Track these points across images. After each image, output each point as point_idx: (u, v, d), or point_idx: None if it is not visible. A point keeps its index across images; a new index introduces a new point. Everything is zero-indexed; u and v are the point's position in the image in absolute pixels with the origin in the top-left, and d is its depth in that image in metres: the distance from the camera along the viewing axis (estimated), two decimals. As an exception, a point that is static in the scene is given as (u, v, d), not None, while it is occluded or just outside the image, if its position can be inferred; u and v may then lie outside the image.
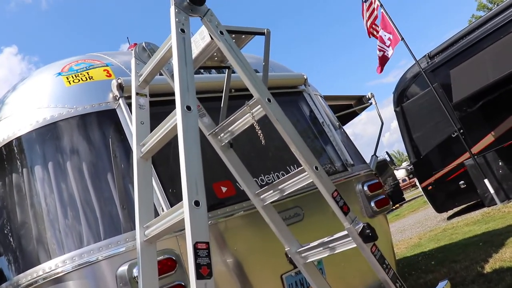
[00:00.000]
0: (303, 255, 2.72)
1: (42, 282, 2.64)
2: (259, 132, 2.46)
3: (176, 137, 2.19)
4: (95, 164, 2.93)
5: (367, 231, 2.42)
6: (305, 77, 4.21)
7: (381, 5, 10.38)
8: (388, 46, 10.12)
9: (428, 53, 10.04)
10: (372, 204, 3.92)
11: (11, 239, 2.94)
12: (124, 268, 2.58)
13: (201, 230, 1.82)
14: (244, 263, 3.04)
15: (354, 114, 7.03)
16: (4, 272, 2.96)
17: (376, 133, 5.31)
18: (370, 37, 10.69)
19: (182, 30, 2.26)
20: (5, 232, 2.99)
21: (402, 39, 10.12)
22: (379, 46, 10.26)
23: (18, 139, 3.03)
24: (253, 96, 2.42)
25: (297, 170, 2.52)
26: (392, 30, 10.20)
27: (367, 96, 6.10)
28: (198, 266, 1.77)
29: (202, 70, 3.46)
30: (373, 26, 10.59)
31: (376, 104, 5.70)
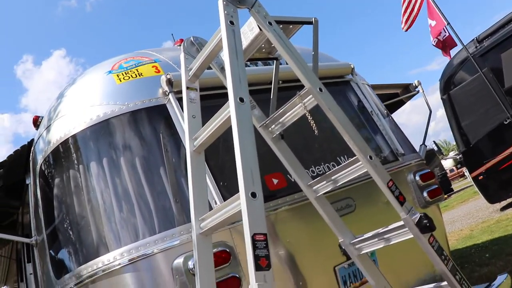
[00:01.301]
0: (357, 246, 2.68)
1: (102, 274, 2.73)
2: (311, 122, 2.43)
3: (226, 130, 2.20)
4: (147, 159, 2.99)
5: (425, 221, 2.35)
6: (352, 66, 4.14)
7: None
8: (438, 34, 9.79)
9: (476, 37, 9.64)
10: (425, 194, 3.82)
11: (71, 233, 3.05)
12: (179, 260, 2.61)
13: (259, 221, 1.82)
14: (297, 255, 3.02)
15: (401, 103, 6.86)
16: (66, 263, 3.07)
17: (421, 122, 5.26)
18: (406, 30, 10.34)
19: (232, 22, 2.25)
20: (65, 226, 3.10)
21: (448, 23, 9.77)
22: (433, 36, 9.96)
23: (74, 136, 3.12)
24: (302, 87, 2.39)
25: (351, 160, 2.48)
26: (437, 15, 9.84)
27: (414, 84, 5.95)
28: (256, 258, 1.77)
29: (248, 63, 3.46)
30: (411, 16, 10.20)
31: (423, 92, 5.55)
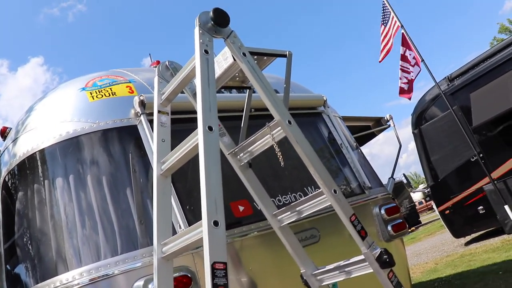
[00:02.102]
0: (318, 277, 2.70)
1: None
2: (278, 154, 2.47)
3: (194, 155, 2.22)
4: (115, 179, 2.97)
5: (385, 256, 2.40)
6: (325, 98, 4.23)
7: (402, 26, 10.35)
8: (413, 66, 9.99)
9: (448, 76, 9.96)
10: (389, 228, 3.88)
11: (30, 249, 2.99)
12: (140, 283, 2.59)
13: (219, 250, 1.83)
14: (259, 283, 3.02)
15: (372, 135, 6.99)
16: (22, 280, 3.00)
17: (393, 154, 5.35)
18: (380, 61, 10.58)
19: (206, 51, 2.30)
20: (25, 241, 3.04)
21: (422, 60, 10.06)
22: (402, 67, 10.10)
23: (42, 151, 3.09)
24: (273, 117, 2.43)
25: (315, 192, 2.52)
26: (413, 50, 10.14)
27: (385, 118, 6.09)
28: (215, 286, 1.78)
29: (222, 89, 3.50)
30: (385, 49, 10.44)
31: (394, 126, 5.68)
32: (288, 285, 3.11)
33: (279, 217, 2.71)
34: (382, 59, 10.44)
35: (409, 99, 9.98)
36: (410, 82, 9.79)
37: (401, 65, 9.98)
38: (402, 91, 9.88)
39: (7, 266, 3.17)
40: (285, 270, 3.07)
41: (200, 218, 2.02)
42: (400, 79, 9.89)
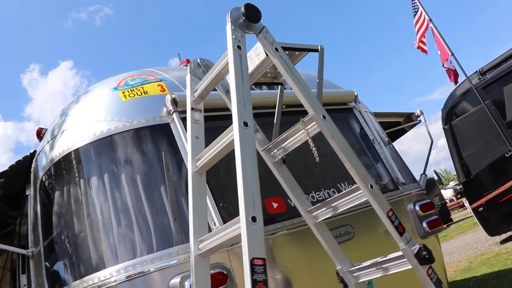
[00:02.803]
0: (355, 274, 2.66)
1: None
2: (313, 149, 2.44)
3: (229, 152, 2.21)
4: (148, 177, 3.00)
5: (424, 252, 2.34)
6: (356, 94, 4.18)
7: (430, 20, 10.18)
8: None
9: (479, 69, 9.72)
10: (424, 224, 3.81)
11: (69, 247, 3.04)
12: (176, 280, 2.61)
13: (258, 246, 1.82)
14: (294, 280, 3.00)
15: (402, 132, 6.88)
16: (61, 277, 3.06)
17: (423, 150, 5.28)
18: (418, 48, 10.44)
19: (239, 47, 2.28)
20: (63, 239, 3.10)
21: (452, 54, 9.87)
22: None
23: (76, 151, 3.14)
24: (306, 112, 2.41)
25: (351, 188, 2.48)
26: (442, 46, 9.97)
27: (416, 114, 5.98)
28: (254, 283, 1.77)
29: (253, 86, 3.49)
30: (422, 39, 10.35)
31: (425, 122, 5.58)
32: (323, 282, 3.08)
33: (314, 214, 2.68)
34: (420, 47, 10.31)
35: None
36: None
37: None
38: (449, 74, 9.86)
39: (46, 263, 3.22)
40: (319, 267, 3.05)
41: (234, 216, 2.02)
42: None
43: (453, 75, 9.92)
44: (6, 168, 3.81)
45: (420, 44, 10.37)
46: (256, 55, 2.56)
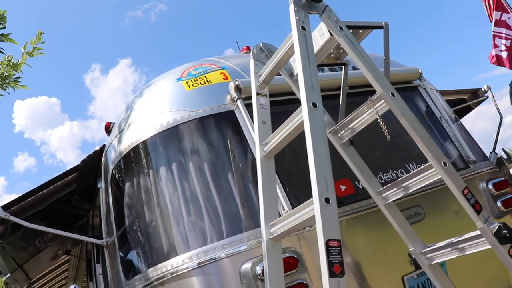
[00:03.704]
0: (428, 255, 2.58)
1: (170, 276, 2.79)
2: (383, 128, 2.38)
3: (298, 134, 2.19)
4: (215, 165, 3.03)
5: (504, 231, 2.23)
6: (420, 71, 4.03)
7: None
8: None
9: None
10: (499, 203, 3.63)
11: (141, 236, 3.14)
12: (247, 265, 2.63)
13: (333, 227, 1.79)
14: (364, 263, 2.95)
15: (468, 109, 6.60)
16: (135, 265, 3.17)
17: (487, 129, 5.12)
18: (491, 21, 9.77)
19: (303, 28, 2.25)
20: (135, 229, 3.20)
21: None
22: (497, 32, 9.22)
23: (144, 142, 3.23)
24: (369, 92, 2.35)
25: (423, 166, 2.40)
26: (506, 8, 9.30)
27: (483, 89, 5.73)
28: (330, 264, 1.74)
29: (315, 68, 3.45)
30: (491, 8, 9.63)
31: (493, 97, 5.32)
32: (394, 265, 3.01)
33: (384, 194, 2.62)
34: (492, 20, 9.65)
35: (510, 67, 9.15)
36: (510, 49, 8.97)
37: (495, 31, 9.18)
38: (499, 60, 9.09)
39: (121, 252, 3.35)
40: (390, 249, 2.98)
41: (303, 200, 2.00)
42: (497, 46, 9.10)
43: (507, 57, 9.16)
44: (78, 163, 3.99)
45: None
46: (320, 35, 2.52)
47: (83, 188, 4.28)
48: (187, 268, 2.75)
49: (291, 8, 2.28)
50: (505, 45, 8.93)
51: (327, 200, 1.83)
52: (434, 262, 2.57)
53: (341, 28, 2.37)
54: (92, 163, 3.98)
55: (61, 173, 3.99)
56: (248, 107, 2.93)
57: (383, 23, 2.70)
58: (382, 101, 2.33)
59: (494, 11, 8.95)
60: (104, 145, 3.90)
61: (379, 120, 2.37)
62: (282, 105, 3.03)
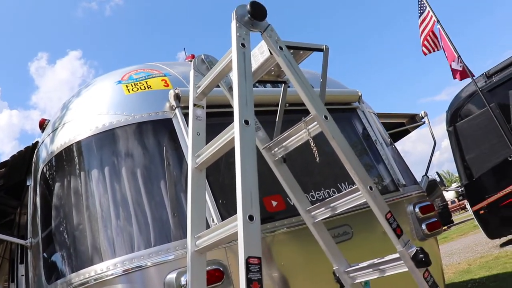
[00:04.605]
0: (351, 275, 2.66)
1: (94, 283, 2.72)
2: (314, 149, 2.43)
3: (229, 149, 2.21)
4: (149, 171, 3.00)
5: (421, 255, 2.34)
6: (360, 94, 4.17)
7: (438, 21, 10.11)
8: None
9: (486, 72, 9.67)
10: (423, 226, 3.80)
11: (67, 239, 3.05)
12: (172, 276, 2.61)
13: (254, 245, 1.82)
14: (290, 279, 3.01)
15: (406, 132, 6.87)
16: (58, 269, 3.07)
17: (426, 151, 5.25)
18: (425, 54, 10.41)
19: (243, 45, 2.28)
20: (61, 231, 3.11)
21: (459, 56, 9.82)
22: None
23: (78, 143, 3.15)
24: (308, 112, 2.40)
25: (350, 189, 2.48)
26: (448, 46, 9.91)
27: (420, 115, 5.97)
28: (249, 281, 1.77)
29: (256, 84, 3.48)
30: (425, 42, 10.28)
31: (429, 123, 5.56)
32: (319, 282, 3.08)
33: (312, 213, 2.68)
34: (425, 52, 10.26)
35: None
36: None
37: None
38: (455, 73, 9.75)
39: (44, 254, 3.23)
40: (317, 266, 3.05)
41: (233, 213, 2.01)
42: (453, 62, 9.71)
43: (460, 74, 9.86)
44: (7, 158, 3.82)
45: (425, 43, 10.29)
46: (260, 53, 2.55)
47: (10, 184, 4.10)
48: (112, 274, 2.70)
49: (233, 24, 2.30)
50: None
51: (251, 218, 1.86)
52: (357, 281, 2.65)
53: (281, 48, 2.41)
54: (23, 159, 3.82)
55: (-13, 167, 3.81)
56: (186, 116, 2.91)
57: (324, 46, 2.77)
58: (315, 122, 2.38)
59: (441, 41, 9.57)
60: (37, 142, 3.76)
61: (310, 141, 2.42)
62: (221, 117, 3.03)
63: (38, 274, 3.23)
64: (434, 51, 10.26)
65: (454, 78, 9.98)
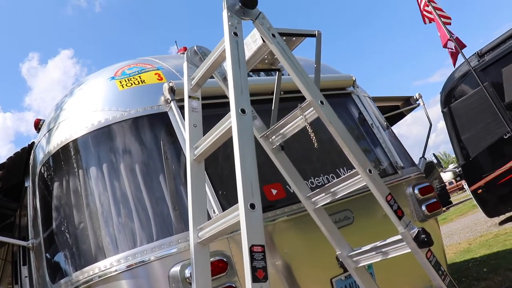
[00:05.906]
0: (354, 259, 2.68)
1: (98, 280, 2.72)
2: (312, 135, 2.43)
3: (227, 139, 2.20)
4: (147, 166, 2.99)
5: (423, 236, 2.36)
6: (354, 78, 4.16)
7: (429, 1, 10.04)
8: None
9: (478, 51, 9.66)
10: (423, 208, 3.83)
11: (69, 237, 3.04)
12: (176, 269, 2.61)
13: (257, 233, 1.82)
14: (294, 266, 3.02)
15: (401, 115, 6.88)
16: (62, 268, 3.07)
17: (422, 134, 5.27)
18: (425, 23, 10.29)
19: (235, 34, 2.26)
20: (63, 230, 3.10)
21: (451, 36, 9.79)
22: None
23: (74, 141, 3.13)
24: (303, 98, 2.40)
25: (350, 173, 2.48)
26: (441, 27, 9.88)
27: (414, 97, 5.98)
28: (254, 269, 1.77)
29: (250, 73, 3.47)
30: (425, 10, 10.16)
31: (424, 105, 5.57)
32: (323, 267, 3.10)
33: (313, 199, 2.69)
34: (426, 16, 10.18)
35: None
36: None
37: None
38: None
39: (47, 254, 3.23)
40: (320, 252, 3.06)
41: (233, 203, 2.02)
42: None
43: (453, 56, 9.84)
44: (4, 160, 3.80)
45: (425, 13, 10.17)
46: (253, 41, 2.54)
47: (9, 186, 4.09)
48: (116, 271, 2.69)
49: (224, 14, 2.29)
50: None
51: (252, 206, 1.86)
52: (360, 265, 2.67)
53: (273, 35, 2.40)
54: (20, 161, 3.81)
55: (-16, 171, 3.79)
56: (182, 109, 2.90)
57: (316, 32, 2.76)
58: (312, 108, 2.38)
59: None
60: (33, 142, 3.74)
61: (307, 128, 2.42)
62: (217, 107, 3.02)
63: (42, 274, 3.23)
64: (434, 21, 10.14)
65: (453, 62, 9.95)
